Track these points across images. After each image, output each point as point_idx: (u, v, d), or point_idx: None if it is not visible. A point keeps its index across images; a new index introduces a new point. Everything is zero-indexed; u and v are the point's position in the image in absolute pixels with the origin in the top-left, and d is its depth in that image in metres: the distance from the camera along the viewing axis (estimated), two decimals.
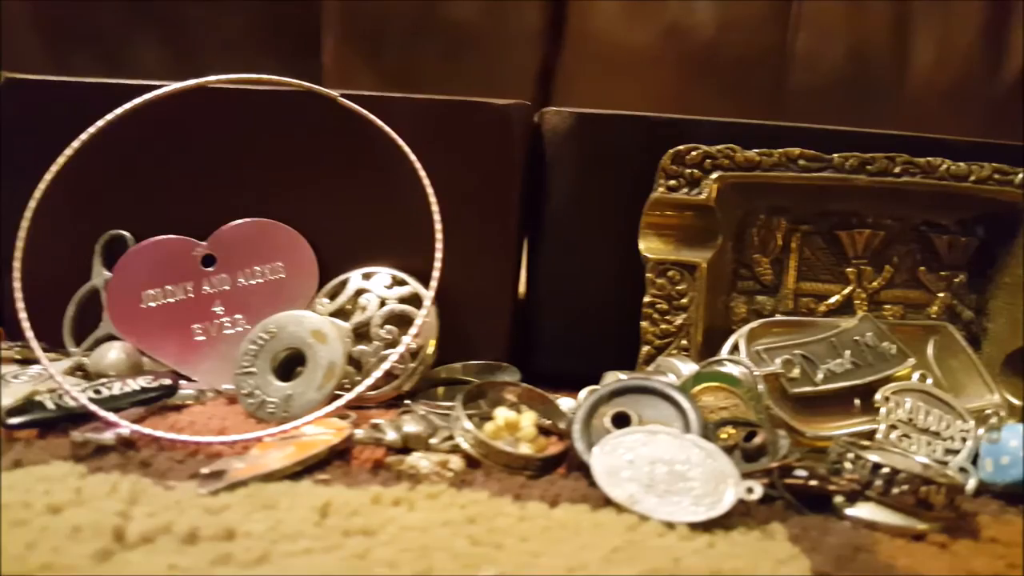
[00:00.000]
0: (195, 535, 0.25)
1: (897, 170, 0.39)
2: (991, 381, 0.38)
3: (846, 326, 0.38)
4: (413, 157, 0.38)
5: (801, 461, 0.31)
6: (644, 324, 0.39)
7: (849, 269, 0.40)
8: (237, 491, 0.29)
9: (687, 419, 0.32)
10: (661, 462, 0.30)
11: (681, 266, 0.39)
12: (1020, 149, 0.40)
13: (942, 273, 0.40)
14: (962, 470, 0.34)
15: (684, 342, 0.39)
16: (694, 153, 0.39)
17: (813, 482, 0.30)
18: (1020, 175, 0.38)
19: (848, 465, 0.31)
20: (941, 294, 0.40)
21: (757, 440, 0.32)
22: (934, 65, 1.33)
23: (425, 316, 0.36)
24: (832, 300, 0.40)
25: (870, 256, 0.40)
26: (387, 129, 0.39)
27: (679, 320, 0.39)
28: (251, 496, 0.28)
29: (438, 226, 0.37)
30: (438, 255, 0.36)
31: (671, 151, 0.39)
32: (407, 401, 0.38)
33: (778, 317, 0.39)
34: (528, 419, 0.32)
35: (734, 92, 1.38)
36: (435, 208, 0.37)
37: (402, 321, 0.39)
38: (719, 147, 0.39)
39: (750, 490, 0.29)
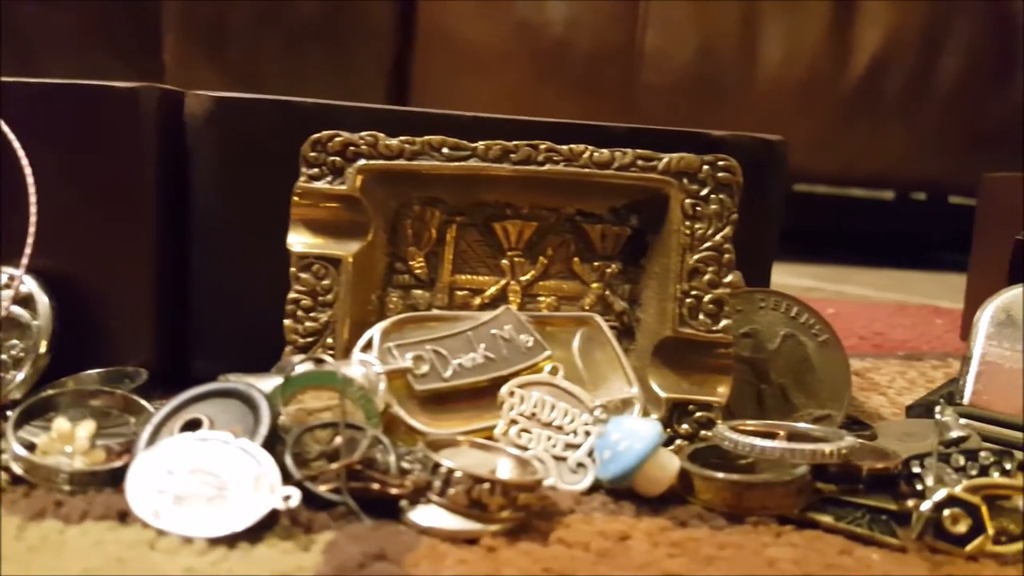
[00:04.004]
0: None
1: (540, 158, 0.37)
2: (631, 373, 0.37)
3: (485, 319, 0.37)
4: (17, 144, 0.35)
5: (371, 461, 0.29)
6: (287, 322, 0.37)
7: (504, 261, 0.39)
8: None
9: (259, 423, 0.30)
10: (203, 471, 0.28)
11: (326, 260, 0.37)
12: (674, 135, 0.40)
13: (595, 263, 0.39)
14: (580, 465, 0.33)
15: (330, 340, 0.37)
16: (336, 140, 0.37)
17: (375, 485, 0.29)
18: (664, 160, 0.37)
19: (417, 465, 0.29)
20: (594, 285, 0.39)
21: (335, 442, 0.30)
22: (782, 63, 1.37)
23: (5, 315, 0.33)
24: (488, 293, 0.39)
25: (524, 247, 0.39)
26: None
27: (324, 317, 0.37)
28: None
29: (33, 219, 0.34)
30: (27, 251, 0.33)
31: (311, 138, 0.37)
32: (9, 413, 0.35)
33: (420, 312, 0.38)
34: (85, 430, 0.30)
35: (585, 89, 1.39)
36: (33, 198, 0.34)
37: (12, 325, 0.36)
38: (361, 134, 0.37)
39: (287, 498, 0.27)
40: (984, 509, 0.29)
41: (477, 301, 0.39)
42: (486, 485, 0.27)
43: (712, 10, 1.36)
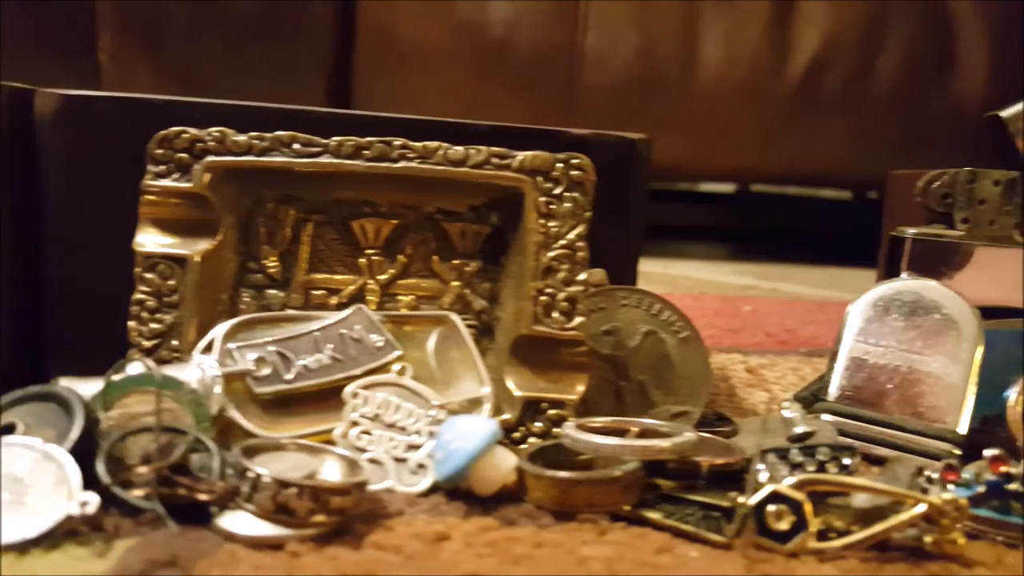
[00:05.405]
0: None
1: (395, 155, 0.37)
2: (484, 372, 0.36)
3: (334, 319, 0.36)
4: None
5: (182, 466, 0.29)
6: (131, 324, 0.36)
7: (362, 260, 0.38)
8: None
9: (71, 428, 0.29)
10: (5, 477, 0.27)
11: (171, 260, 0.36)
12: (535, 132, 0.39)
13: (454, 262, 0.39)
14: (421, 467, 0.33)
15: (175, 342, 0.36)
16: (183, 137, 0.36)
17: (183, 491, 0.28)
18: (518, 158, 0.37)
19: (230, 470, 0.28)
20: (454, 283, 0.39)
21: (150, 447, 0.29)
22: (722, 63, 1.37)
23: None
24: (345, 292, 0.38)
25: (383, 246, 0.38)
26: None
27: (170, 318, 0.36)
28: None
29: None
30: None
31: (157, 135, 0.36)
32: None
33: (268, 313, 0.37)
34: None
35: (527, 89, 1.39)
36: None
37: None
38: (209, 130, 0.37)
39: (84, 504, 0.26)
40: (807, 506, 0.29)
41: (334, 301, 0.38)
42: (293, 490, 0.27)
43: (652, 10, 1.36)
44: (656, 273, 1.14)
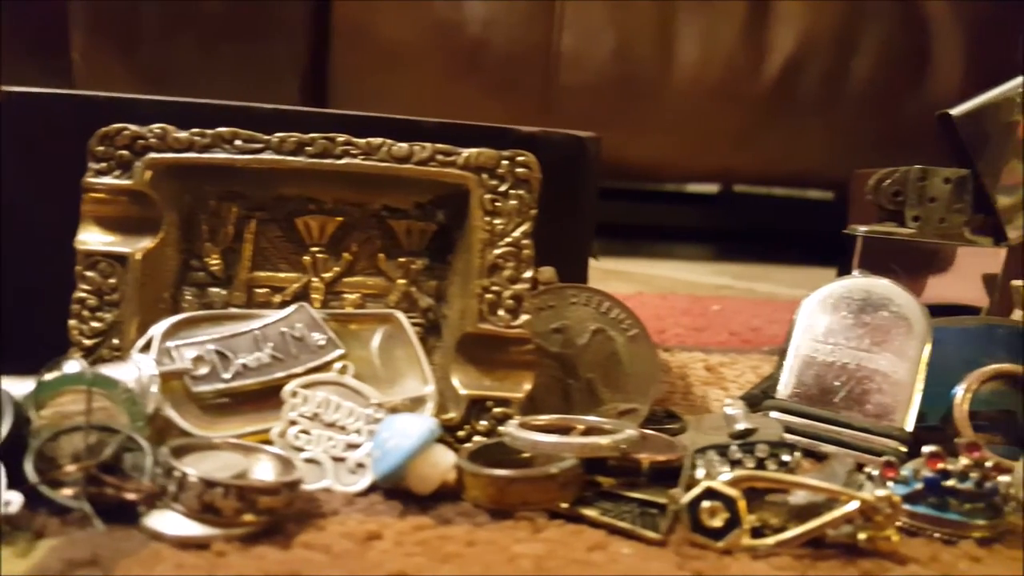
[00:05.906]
0: None
1: (338, 151, 0.37)
2: (428, 371, 0.36)
3: (275, 317, 0.36)
4: None
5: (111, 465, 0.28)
6: (72, 322, 0.36)
7: (306, 257, 0.38)
8: None
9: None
10: None
11: (111, 258, 0.36)
12: (483, 130, 0.39)
13: (401, 260, 0.38)
14: (360, 466, 0.33)
15: (116, 341, 0.36)
16: (124, 134, 0.36)
17: (110, 490, 0.28)
18: (463, 155, 0.37)
19: (158, 470, 0.28)
20: (400, 281, 0.38)
21: (80, 446, 0.29)
22: (698, 64, 1.37)
23: None
24: (289, 290, 0.38)
25: (328, 243, 0.38)
26: None
27: (110, 317, 0.36)
28: None
29: None
30: None
31: (99, 132, 0.36)
32: None
33: (209, 311, 0.37)
34: None
35: (503, 88, 1.38)
36: None
37: None
38: (150, 127, 0.36)
39: (7, 503, 0.26)
40: (741, 502, 0.29)
41: (278, 299, 0.38)
42: (219, 489, 0.27)
43: (628, 10, 1.36)
44: (636, 273, 1.14)
